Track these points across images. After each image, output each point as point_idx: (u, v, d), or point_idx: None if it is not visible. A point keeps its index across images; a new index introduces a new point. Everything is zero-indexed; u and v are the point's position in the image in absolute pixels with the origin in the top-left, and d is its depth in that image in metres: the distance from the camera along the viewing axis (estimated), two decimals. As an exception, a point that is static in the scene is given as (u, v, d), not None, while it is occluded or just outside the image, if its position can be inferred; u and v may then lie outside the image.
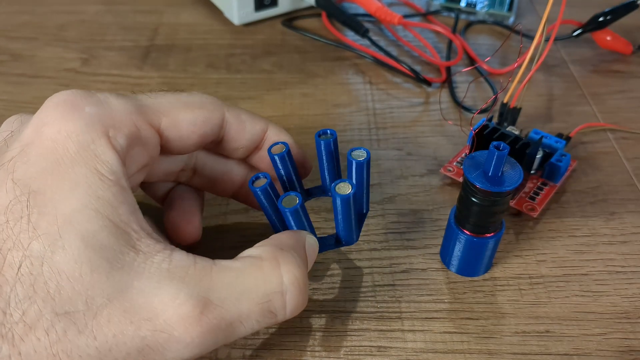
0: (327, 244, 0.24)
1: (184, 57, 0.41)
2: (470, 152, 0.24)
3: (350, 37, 0.43)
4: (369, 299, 0.25)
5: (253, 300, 0.19)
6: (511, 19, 0.45)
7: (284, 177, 0.24)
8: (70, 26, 0.45)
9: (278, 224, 0.24)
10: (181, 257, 0.19)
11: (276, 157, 0.23)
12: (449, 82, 0.39)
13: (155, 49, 0.42)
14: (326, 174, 0.25)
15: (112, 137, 0.20)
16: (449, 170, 0.31)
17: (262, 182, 0.23)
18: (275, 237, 0.22)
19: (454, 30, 0.44)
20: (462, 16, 0.46)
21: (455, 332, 0.24)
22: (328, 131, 0.24)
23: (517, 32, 0.44)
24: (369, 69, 0.40)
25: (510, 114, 0.31)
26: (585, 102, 0.37)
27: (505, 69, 0.40)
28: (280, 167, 0.24)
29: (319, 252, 0.24)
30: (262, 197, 0.23)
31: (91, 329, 0.17)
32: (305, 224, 0.23)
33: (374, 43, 0.40)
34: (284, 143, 0.24)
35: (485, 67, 0.40)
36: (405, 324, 0.24)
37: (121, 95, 0.21)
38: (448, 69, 0.40)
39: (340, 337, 0.24)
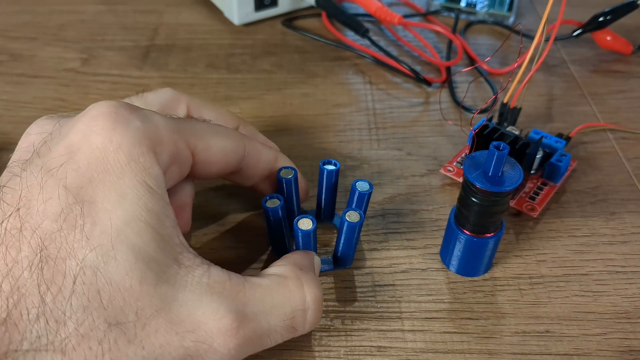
0: (326, 264, 0.27)
1: (184, 57, 0.41)
2: (470, 152, 0.24)
3: (350, 37, 0.43)
4: (369, 299, 0.25)
5: (280, 316, 0.20)
6: (511, 19, 0.45)
7: (287, 200, 0.26)
8: (70, 26, 0.45)
9: (278, 243, 0.26)
10: (218, 272, 0.20)
11: (284, 180, 0.26)
12: (449, 82, 0.39)
13: (155, 49, 0.42)
14: (322, 200, 0.27)
15: (158, 152, 0.20)
16: (449, 170, 0.31)
17: (275, 202, 0.25)
18: (292, 257, 0.23)
19: (454, 30, 0.44)
20: (462, 16, 0.46)
21: (455, 332, 0.24)
22: (332, 161, 0.26)
23: (517, 32, 0.44)
24: (369, 69, 0.40)
25: (510, 114, 0.31)
26: (585, 102, 0.38)
27: (505, 69, 0.40)
28: (286, 190, 0.26)
29: (322, 271, 0.26)
30: (271, 216, 0.25)
31: (140, 339, 0.17)
32: (313, 246, 0.25)
33: (374, 43, 0.40)
34: (293, 169, 0.26)
35: (485, 67, 0.40)
36: (405, 324, 0.24)
37: (161, 114, 0.22)
38: (448, 69, 0.40)
39: (340, 337, 0.24)
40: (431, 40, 0.43)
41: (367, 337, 0.24)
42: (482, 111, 0.36)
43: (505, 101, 0.31)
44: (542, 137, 0.31)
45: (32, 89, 0.38)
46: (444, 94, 0.38)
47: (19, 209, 0.18)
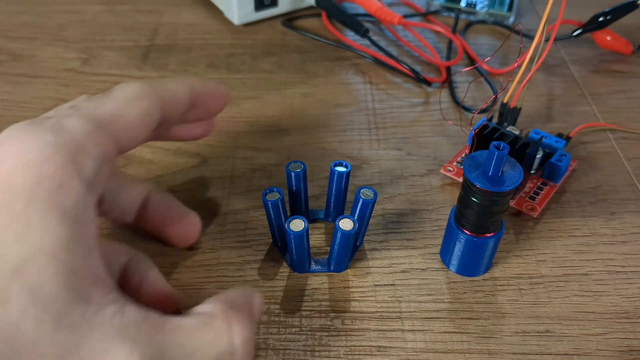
0: (322, 265, 0.26)
1: (184, 57, 0.41)
2: (470, 152, 0.24)
3: (350, 37, 0.43)
4: (369, 299, 0.25)
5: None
6: (511, 19, 0.45)
7: (295, 193, 0.27)
8: (70, 26, 0.45)
9: (278, 235, 0.26)
10: (132, 312, 0.18)
11: (292, 174, 0.26)
12: (449, 82, 0.39)
13: (155, 49, 0.42)
14: (332, 201, 0.28)
15: (78, 162, 0.18)
16: (449, 170, 0.31)
17: (275, 196, 0.25)
18: (227, 294, 0.21)
19: (454, 30, 0.44)
20: (462, 16, 0.46)
21: (455, 332, 0.24)
22: (344, 163, 0.26)
23: (517, 32, 0.44)
24: (369, 69, 0.40)
25: (510, 114, 0.31)
26: (585, 102, 0.38)
27: (506, 69, 0.40)
28: (294, 184, 0.26)
29: (316, 272, 0.26)
30: (271, 209, 0.25)
31: None
32: (306, 248, 0.25)
33: (374, 43, 0.40)
34: (302, 163, 0.26)
35: (485, 67, 0.40)
36: (405, 324, 0.24)
37: (72, 115, 0.19)
38: (448, 69, 0.40)
39: (340, 337, 0.24)
40: (431, 40, 0.43)
41: (367, 337, 0.24)
42: (482, 111, 0.36)
43: (505, 101, 0.31)
44: (542, 137, 0.31)
45: (32, 89, 0.38)
46: (444, 94, 0.38)
47: None
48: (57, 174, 0.17)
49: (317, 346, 0.24)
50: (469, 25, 0.45)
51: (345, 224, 0.24)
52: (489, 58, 0.41)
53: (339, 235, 0.24)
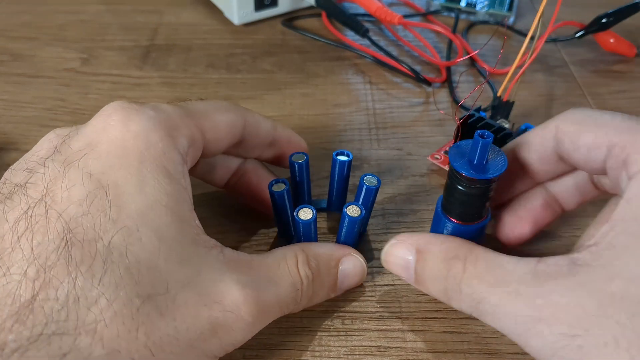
0: None
1: (184, 57, 0.41)
2: (455, 141, 0.24)
3: (351, 37, 0.43)
4: (369, 299, 0.25)
5: (286, 289, 0.22)
6: (511, 19, 0.45)
7: (298, 183, 0.27)
8: (70, 26, 0.45)
9: (283, 227, 0.27)
10: (230, 252, 0.21)
11: (295, 164, 0.26)
12: (449, 82, 0.39)
13: (155, 49, 0.42)
14: (334, 190, 0.28)
15: (175, 137, 0.21)
16: (437, 158, 0.32)
17: (281, 187, 0.25)
18: (313, 243, 0.24)
19: (454, 30, 0.44)
20: (462, 16, 0.46)
21: (455, 332, 0.24)
22: (345, 152, 0.26)
23: (517, 31, 0.44)
24: (369, 69, 0.40)
25: (503, 107, 0.32)
26: (585, 102, 0.38)
27: (506, 69, 0.40)
28: (298, 174, 0.26)
29: None
30: (278, 200, 0.25)
31: (172, 311, 0.18)
32: (313, 236, 0.25)
33: (374, 43, 0.40)
34: (304, 154, 0.27)
35: (486, 66, 0.40)
36: (405, 324, 0.24)
37: (167, 103, 0.22)
38: (448, 69, 0.40)
39: (340, 337, 0.24)
40: (431, 40, 0.43)
41: (367, 337, 0.24)
42: (465, 109, 0.36)
43: (498, 94, 0.31)
44: (526, 128, 0.31)
45: (32, 89, 0.38)
46: (445, 94, 0.38)
47: (43, 198, 0.19)
48: (160, 144, 0.20)
49: (317, 346, 0.24)
50: (471, 25, 0.45)
51: (353, 211, 0.24)
52: (477, 51, 0.41)
53: (346, 221, 0.24)
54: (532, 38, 0.28)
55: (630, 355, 0.16)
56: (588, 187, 0.25)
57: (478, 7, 0.45)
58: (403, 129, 0.35)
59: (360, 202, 0.25)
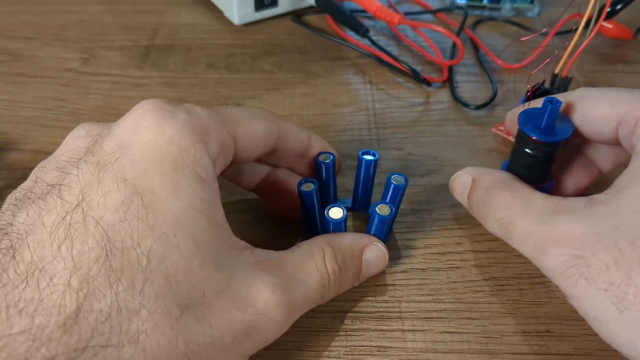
0: None
1: (184, 57, 0.41)
2: (525, 108, 0.26)
3: (354, 36, 0.43)
4: (369, 299, 0.25)
5: (314, 284, 0.22)
6: (535, 11, 0.46)
7: (324, 183, 0.27)
8: (70, 26, 0.45)
9: (311, 226, 0.27)
10: (259, 252, 0.21)
11: (322, 165, 0.26)
12: (450, 81, 0.39)
13: (155, 48, 0.42)
14: (359, 190, 0.28)
15: (206, 143, 0.21)
16: (501, 130, 0.34)
17: (310, 186, 0.25)
18: (338, 235, 0.24)
19: (461, 28, 0.44)
20: (486, 13, 0.46)
21: (455, 332, 0.24)
22: (371, 152, 0.27)
23: (525, 28, 0.44)
24: (369, 68, 0.40)
25: (561, 83, 0.32)
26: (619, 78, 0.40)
27: (520, 64, 0.40)
28: (324, 174, 0.27)
29: None
30: (306, 200, 0.25)
31: (208, 319, 0.18)
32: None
33: (374, 43, 0.40)
34: (331, 154, 0.27)
35: (499, 61, 0.40)
36: (405, 324, 0.24)
37: (200, 106, 0.22)
38: (450, 68, 0.40)
39: (340, 337, 0.24)
40: (436, 39, 0.43)
41: (367, 337, 0.24)
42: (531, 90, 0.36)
43: (556, 71, 0.32)
44: None
45: (32, 88, 0.38)
46: (445, 93, 0.38)
47: (80, 204, 0.18)
48: (192, 149, 0.20)
49: (317, 346, 0.24)
50: (478, 22, 0.45)
51: (382, 209, 0.24)
52: (455, 47, 0.41)
53: (376, 220, 0.24)
54: (589, 20, 0.29)
55: (627, 276, 0.19)
56: (619, 149, 0.26)
57: (502, 2, 0.46)
58: (403, 129, 0.35)
59: (387, 201, 0.26)
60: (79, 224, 0.18)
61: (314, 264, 0.22)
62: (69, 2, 0.48)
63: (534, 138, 0.24)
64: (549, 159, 0.25)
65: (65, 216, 0.18)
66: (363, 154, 0.26)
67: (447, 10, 0.47)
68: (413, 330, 0.24)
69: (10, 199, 0.21)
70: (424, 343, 0.24)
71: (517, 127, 0.25)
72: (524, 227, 0.23)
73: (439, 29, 0.41)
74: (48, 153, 0.33)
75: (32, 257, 0.17)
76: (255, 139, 0.23)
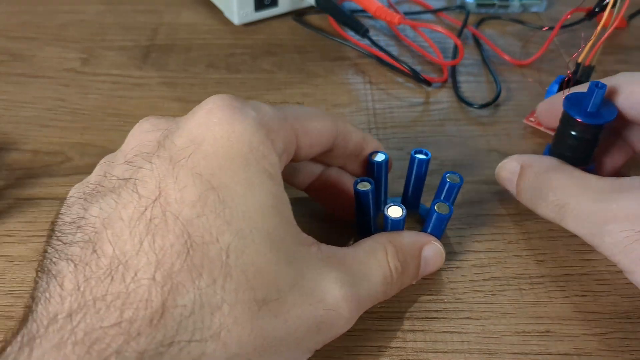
0: None
1: (184, 57, 0.41)
2: (566, 93, 0.27)
3: (354, 35, 0.43)
4: (369, 298, 0.25)
5: (378, 281, 0.22)
6: (543, 6, 0.47)
7: (376, 182, 0.26)
8: (70, 26, 0.45)
9: (364, 225, 0.26)
10: (326, 247, 0.22)
11: (376, 163, 0.26)
12: (453, 81, 0.39)
13: (155, 48, 0.42)
14: (410, 188, 0.28)
15: (273, 140, 0.21)
16: (531, 121, 0.35)
17: (366, 186, 0.25)
18: (398, 233, 0.25)
19: (463, 27, 0.44)
20: (501, 11, 0.47)
21: (455, 332, 0.24)
22: (423, 151, 0.26)
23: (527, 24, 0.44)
24: (369, 68, 0.40)
25: (585, 71, 0.33)
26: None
27: (528, 60, 0.40)
28: (376, 173, 0.26)
29: None
30: (362, 199, 0.25)
31: (282, 314, 0.19)
32: None
33: (374, 43, 0.40)
34: (384, 153, 0.26)
35: (506, 57, 0.41)
36: (405, 324, 0.24)
37: (265, 103, 0.22)
38: (452, 68, 0.40)
39: (340, 337, 0.24)
40: (436, 39, 0.43)
41: (367, 337, 0.24)
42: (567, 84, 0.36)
43: (579, 61, 0.33)
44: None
45: (32, 88, 0.38)
46: (445, 94, 0.38)
47: (157, 199, 0.18)
48: (261, 146, 0.20)
49: (317, 346, 0.24)
50: (482, 20, 0.45)
51: (442, 208, 0.24)
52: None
53: (434, 218, 0.24)
54: (614, 5, 0.30)
55: None
56: None
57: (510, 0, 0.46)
58: (403, 129, 0.35)
59: (442, 199, 0.26)
60: (158, 219, 0.18)
61: (377, 262, 0.22)
62: (69, 2, 0.48)
63: (580, 121, 0.25)
64: (593, 141, 0.26)
65: (144, 211, 0.18)
66: (415, 152, 0.26)
67: (454, 9, 0.47)
68: (413, 330, 0.24)
69: (75, 192, 0.21)
70: (424, 343, 0.24)
71: (551, 115, 0.26)
72: (581, 206, 0.24)
73: (439, 28, 0.41)
74: (48, 153, 0.33)
75: (113, 251, 0.18)
76: (316, 138, 0.24)
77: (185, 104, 0.37)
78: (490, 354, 0.23)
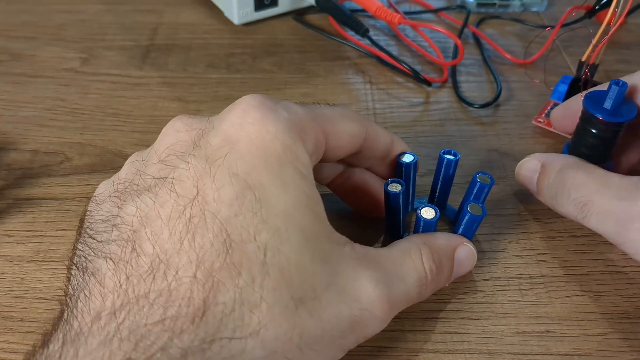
0: None
1: (184, 57, 0.41)
2: (584, 94, 0.27)
3: (355, 35, 0.43)
4: (369, 299, 0.25)
5: (413, 282, 0.22)
6: (544, 5, 0.47)
7: (406, 184, 0.26)
8: (70, 26, 0.45)
9: (394, 226, 0.26)
10: (359, 247, 0.22)
11: (404, 164, 0.26)
12: (453, 81, 0.39)
13: (155, 48, 0.42)
14: (438, 189, 0.28)
15: (304, 140, 0.21)
16: (540, 122, 0.35)
17: (397, 187, 0.25)
18: (432, 234, 0.24)
19: (463, 27, 0.44)
20: (501, 10, 0.47)
21: (455, 332, 0.24)
22: (452, 151, 0.26)
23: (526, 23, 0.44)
24: (369, 68, 0.40)
25: (590, 70, 0.33)
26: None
27: (529, 60, 0.40)
28: (404, 174, 0.26)
29: None
30: (392, 200, 0.25)
31: (318, 312, 0.19)
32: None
33: (374, 43, 0.40)
34: (413, 154, 0.26)
35: (508, 56, 0.41)
36: (405, 324, 0.24)
37: (296, 103, 0.22)
38: (453, 68, 0.39)
39: (340, 337, 0.24)
40: (436, 39, 0.43)
41: (367, 337, 0.24)
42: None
43: (583, 59, 0.33)
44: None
45: (32, 88, 0.38)
46: (446, 93, 0.38)
47: (196, 198, 0.19)
48: (294, 147, 0.20)
49: (317, 346, 0.24)
50: (482, 20, 0.45)
51: (474, 209, 0.24)
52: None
53: (466, 219, 0.24)
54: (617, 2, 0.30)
55: None
56: None
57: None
58: (403, 129, 0.35)
59: (471, 198, 0.26)
60: (197, 217, 0.18)
61: (412, 263, 0.22)
62: (69, 1, 0.48)
63: (601, 119, 0.25)
64: (613, 139, 0.26)
65: (183, 210, 0.18)
66: (444, 153, 0.26)
67: (454, 8, 0.47)
68: (413, 330, 0.24)
69: (105, 189, 0.21)
70: (424, 343, 0.24)
71: (567, 119, 0.27)
72: (604, 204, 0.23)
73: (439, 28, 0.41)
74: (47, 153, 0.33)
75: (154, 249, 0.18)
76: (345, 140, 0.24)
77: (185, 103, 0.37)
78: (491, 354, 0.23)
